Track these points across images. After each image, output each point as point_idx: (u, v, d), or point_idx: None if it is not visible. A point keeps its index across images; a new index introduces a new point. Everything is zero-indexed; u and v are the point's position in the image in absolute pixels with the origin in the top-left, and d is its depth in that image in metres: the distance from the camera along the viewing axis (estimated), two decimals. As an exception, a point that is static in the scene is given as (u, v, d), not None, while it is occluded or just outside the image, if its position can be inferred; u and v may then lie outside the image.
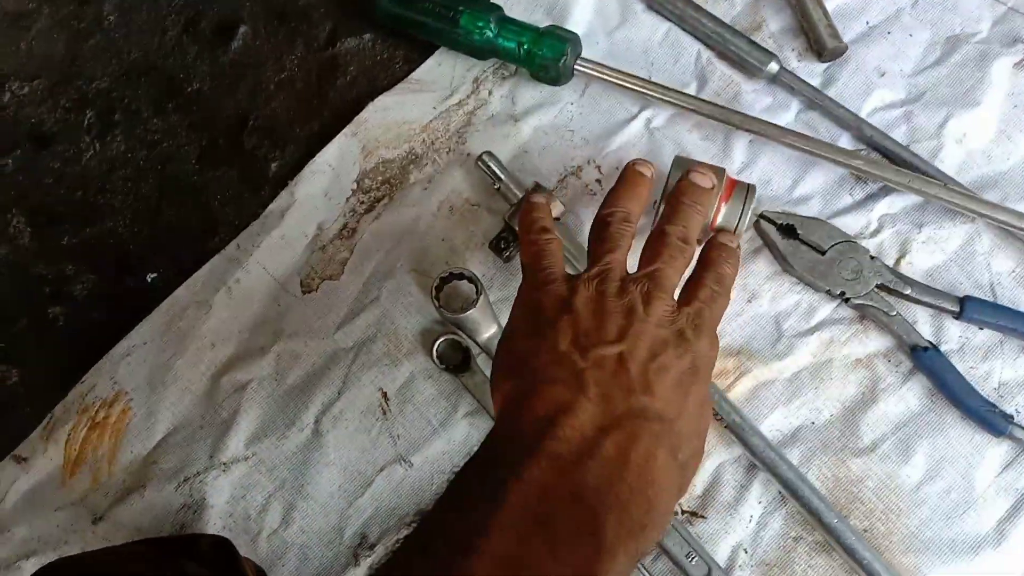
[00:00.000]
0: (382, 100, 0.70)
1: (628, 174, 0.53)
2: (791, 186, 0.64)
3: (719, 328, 0.46)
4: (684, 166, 0.58)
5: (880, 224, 0.63)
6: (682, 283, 0.50)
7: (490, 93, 0.69)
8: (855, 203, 0.63)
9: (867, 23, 0.67)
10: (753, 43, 0.66)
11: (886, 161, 0.63)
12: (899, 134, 0.64)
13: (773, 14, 0.68)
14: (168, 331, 0.68)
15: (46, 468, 0.67)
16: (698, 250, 0.52)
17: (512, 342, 0.47)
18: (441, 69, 0.71)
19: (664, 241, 0.48)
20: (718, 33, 0.66)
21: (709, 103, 0.64)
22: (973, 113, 0.64)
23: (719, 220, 0.58)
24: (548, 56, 0.66)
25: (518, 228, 0.54)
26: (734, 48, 0.66)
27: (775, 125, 0.63)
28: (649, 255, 0.48)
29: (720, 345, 0.61)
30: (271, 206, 0.69)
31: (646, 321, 0.44)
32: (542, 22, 0.69)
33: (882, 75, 0.66)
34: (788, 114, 0.66)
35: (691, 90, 0.67)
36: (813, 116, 0.65)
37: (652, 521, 0.38)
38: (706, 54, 0.68)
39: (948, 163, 0.63)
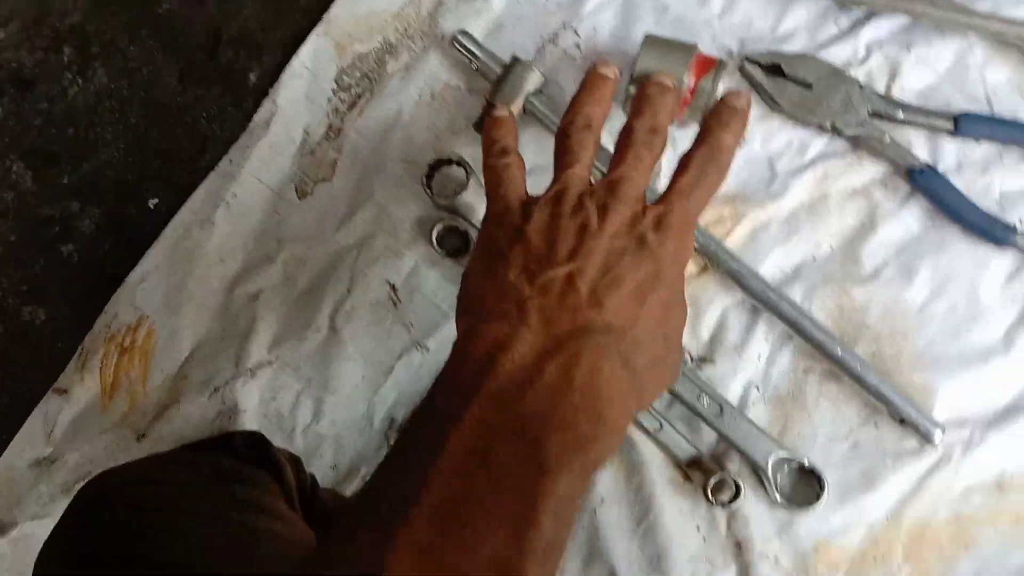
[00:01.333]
0: (349, -7, 0.69)
1: (588, 77, 0.50)
2: (774, 24, 0.63)
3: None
4: (655, 45, 0.58)
5: (868, 50, 0.61)
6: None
7: (458, -30, 0.68)
8: (841, 33, 0.62)
9: None
10: None
11: (869, -17, 0.61)
12: (881, -47, 0.62)
13: None
14: (176, 253, 0.69)
15: (86, 397, 0.70)
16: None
17: (468, 279, 0.46)
18: (406, -47, 0.69)
19: (629, 140, 0.46)
20: None
21: (680, -53, 0.62)
22: (958, -81, 0.61)
23: (692, 99, 0.58)
24: (510, -79, 0.64)
25: (482, 147, 0.51)
26: None
27: (750, -40, 0.61)
28: (615, 160, 0.46)
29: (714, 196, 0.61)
30: (256, 117, 0.69)
31: (599, 235, 0.42)
32: None
33: None
34: (764, -52, 0.63)
35: (661, -63, 0.65)
36: (790, -53, 0.63)
37: (602, 432, 0.38)
38: (673, -103, 0.65)
39: (934, -24, 0.61)
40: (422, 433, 0.39)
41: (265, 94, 0.69)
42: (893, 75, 0.61)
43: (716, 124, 0.46)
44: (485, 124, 0.53)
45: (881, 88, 0.61)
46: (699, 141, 0.46)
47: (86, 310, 0.71)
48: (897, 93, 0.61)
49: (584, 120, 0.48)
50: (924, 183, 0.59)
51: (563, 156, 0.47)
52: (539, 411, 0.37)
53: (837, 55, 0.61)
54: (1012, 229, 0.58)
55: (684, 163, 0.46)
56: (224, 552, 0.48)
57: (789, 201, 0.61)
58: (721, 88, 0.58)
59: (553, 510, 0.34)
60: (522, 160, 0.50)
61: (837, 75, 0.60)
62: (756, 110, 0.62)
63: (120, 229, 0.72)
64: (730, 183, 0.62)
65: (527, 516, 0.34)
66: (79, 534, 0.50)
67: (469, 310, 0.44)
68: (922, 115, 0.59)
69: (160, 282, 0.70)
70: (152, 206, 0.71)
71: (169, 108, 0.72)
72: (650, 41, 0.59)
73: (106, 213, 0.72)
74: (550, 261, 0.42)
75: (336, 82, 0.68)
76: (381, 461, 0.39)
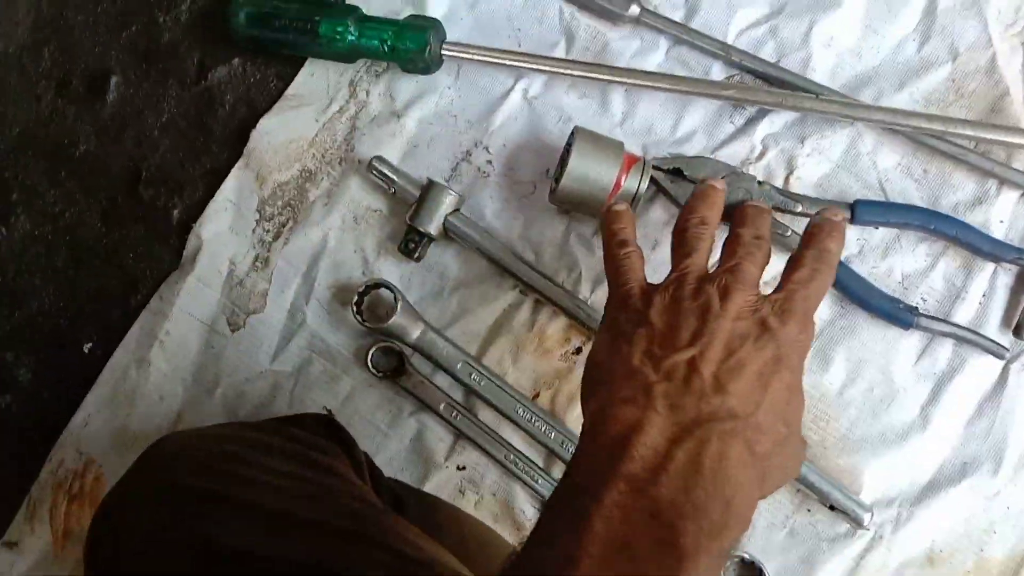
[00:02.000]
0: (264, 124, 0.70)
1: (700, 189, 0.53)
2: (673, 127, 0.65)
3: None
4: (587, 138, 0.60)
5: (764, 146, 0.64)
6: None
7: (368, 94, 0.69)
8: (737, 130, 0.64)
9: (719, -57, 0.66)
10: (609, -10, 0.65)
11: (759, 83, 0.64)
12: (768, 51, 0.64)
13: (625, -45, 0.67)
14: (116, 395, 0.70)
15: (38, 547, 0.70)
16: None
17: (593, 361, 0.48)
18: (315, 80, 0.70)
19: (739, 240, 0.49)
20: (574, -14, 0.66)
21: (577, 62, 0.64)
22: (836, 14, 0.64)
23: (620, 190, 0.60)
24: (412, 48, 0.65)
25: (602, 238, 0.54)
26: (592, -2, 0.65)
27: (644, 72, 0.63)
28: (727, 254, 0.48)
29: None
30: (184, 253, 0.70)
31: (722, 317, 0.43)
32: (405, 11, 0.68)
33: (742, -6, 0.66)
34: (658, 54, 0.65)
35: (560, 48, 0.67)
36: (682, 51, 0.65)
37: (732, 518, 0.39)
38: (568, 9, 0.67)
39: (820, 70, 0.64)
40: (562, 511, 0.41)
41: (189, 229, 0.70)
42: (790, 167, 0.63)
43: (820, 232, 0.50)
44: (604, 216, 0.54)
45: (780, 181, 0.63)
46: (806, 244, 0.50)
47: (30, 460, 0.71)
48: (795, 185, 0.63)
49: (699, 219, 0.50)
50: (830, 272, 0.61)
51: (680, 247, 0.50)
52: (673, 497, 0.38)
53: (736, 152, 0.64)
54: (915, 310, 0.60)
55: (795, 262, 0.49)
56: (303, 502, 0.48)
57: (705, 299, 0.63)
58: (645, 182, 0.60)
59: None
60: (641, 250, 0.52)
61: (736, 174, 0.62)
62: (664, 214, 0.64)
63: (57, 376, 0.72)
64: (648, 285, 0.64)
65: None
66: (153, 476, 0.51)
67: (596, 391, 0.46)
68: (819, 205, 0.61)
69: (103, 425, 0.70)
70: (87, 350, 0.72)
71: (95, 250, 0.73)
72: (581, 133, 0.60)
73: (41, 361, 0.72)
74: (673, 345, 0.43)
75: (259, 212, 0.69)
76: (528, 536, 0.41)
